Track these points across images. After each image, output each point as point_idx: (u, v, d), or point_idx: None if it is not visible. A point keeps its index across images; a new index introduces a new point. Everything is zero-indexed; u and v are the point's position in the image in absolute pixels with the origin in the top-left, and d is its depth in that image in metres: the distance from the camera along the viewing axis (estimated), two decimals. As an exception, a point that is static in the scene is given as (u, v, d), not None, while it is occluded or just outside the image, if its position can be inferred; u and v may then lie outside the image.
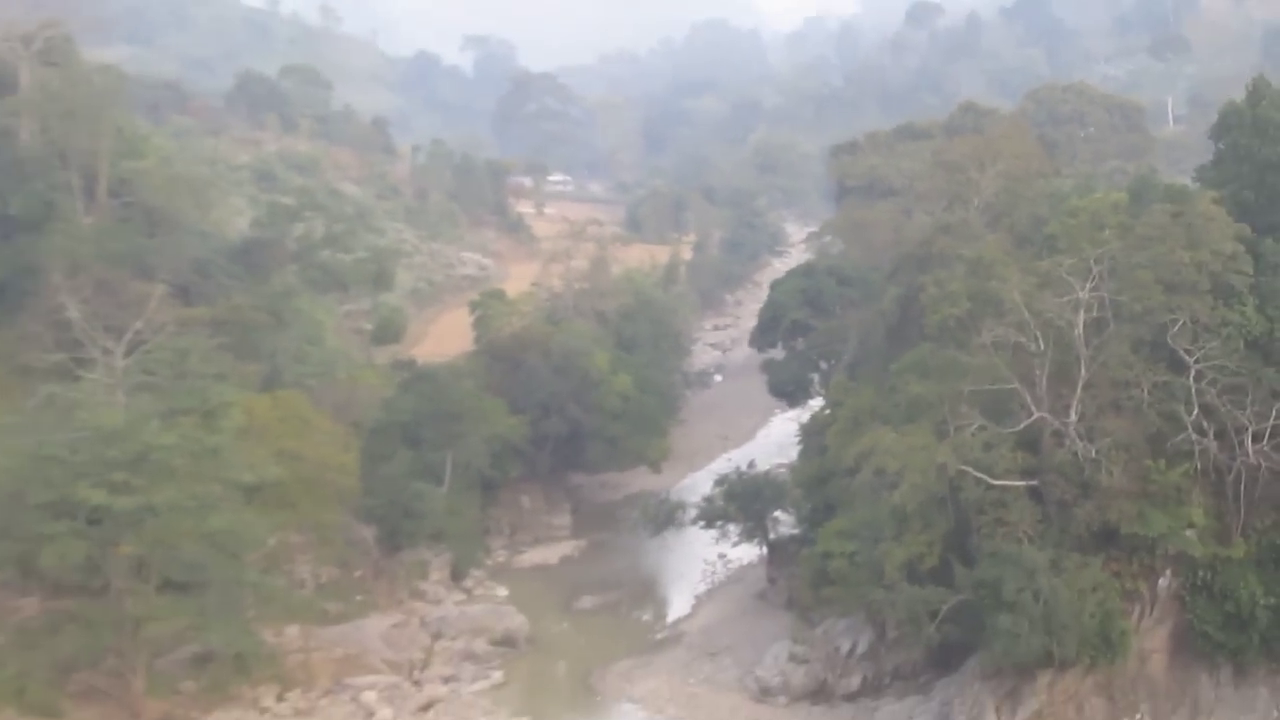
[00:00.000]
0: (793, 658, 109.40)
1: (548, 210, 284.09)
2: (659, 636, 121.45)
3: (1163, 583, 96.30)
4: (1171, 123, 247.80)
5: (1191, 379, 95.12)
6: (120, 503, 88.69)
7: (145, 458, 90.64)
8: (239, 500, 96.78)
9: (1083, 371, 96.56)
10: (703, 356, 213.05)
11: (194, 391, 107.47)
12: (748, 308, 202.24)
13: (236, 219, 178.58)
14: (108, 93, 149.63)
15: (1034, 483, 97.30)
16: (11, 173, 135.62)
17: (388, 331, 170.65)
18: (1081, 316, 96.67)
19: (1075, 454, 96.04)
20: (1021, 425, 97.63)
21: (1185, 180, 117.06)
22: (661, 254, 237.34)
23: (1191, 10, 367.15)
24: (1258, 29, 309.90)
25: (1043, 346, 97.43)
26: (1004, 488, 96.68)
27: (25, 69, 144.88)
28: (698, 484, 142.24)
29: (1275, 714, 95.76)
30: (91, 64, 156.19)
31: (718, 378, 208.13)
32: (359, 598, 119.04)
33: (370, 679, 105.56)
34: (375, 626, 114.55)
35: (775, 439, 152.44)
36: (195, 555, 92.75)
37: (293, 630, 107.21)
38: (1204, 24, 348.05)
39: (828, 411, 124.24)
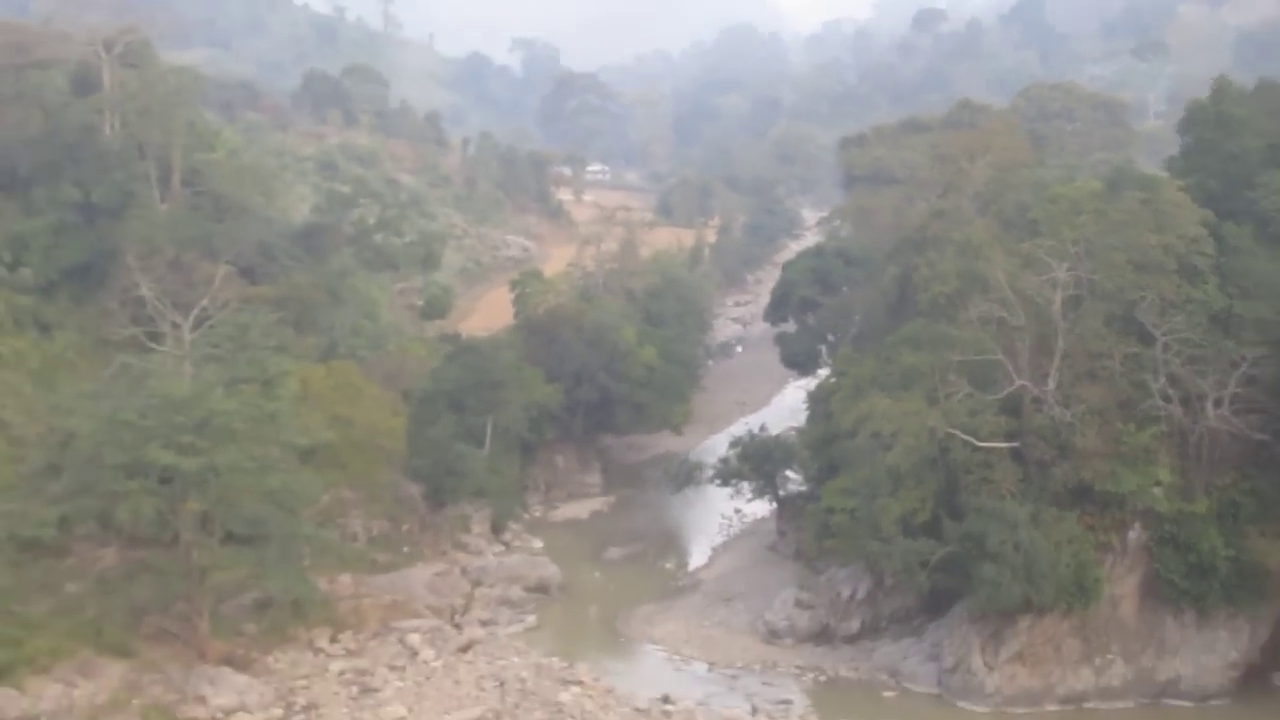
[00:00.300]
0: (799, 603, 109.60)
1: (586, 197, 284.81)
2: (679, 584, 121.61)
3: (1132, 535, 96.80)
4: (1152, 118, 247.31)
5: (1159, 350, 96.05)
6: (187, 463, 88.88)
7: (210, 422, 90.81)
8: (295, 461, 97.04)
9: (1060, 344, 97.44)
10: (724, 330, 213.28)
11: (254, 362, 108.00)
12: (766, 286, 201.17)
13: (301, 205, 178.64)
14: (181, 91, 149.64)
15: (1016, 445, 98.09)
16: (95, 164, 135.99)
17: (436, 308, 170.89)
18: (1059, 294, 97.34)
19: (1053, 419, 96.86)
20: (1004, 393, 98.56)
21: (1159, 170, 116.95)
22: (688, 237, 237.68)
23: (1171, 16, 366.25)
24: (1231, 33, 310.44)
25: (1024, 321, 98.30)
26: (988, 449, 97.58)
27: (107, 70, 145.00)
28: (717, 445, 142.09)
29: (1234, 654, 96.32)
30: (168, 66, 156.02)
31: (738, 349, 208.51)
32: (406, 549, 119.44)
33: (415, 622, 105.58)
34: (420, 575, 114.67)
35: (788, 405, 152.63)
36: (255, 511, 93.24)
37: (345, 578, 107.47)
38: (1183, 28, 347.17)
39: (833, 380, 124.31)
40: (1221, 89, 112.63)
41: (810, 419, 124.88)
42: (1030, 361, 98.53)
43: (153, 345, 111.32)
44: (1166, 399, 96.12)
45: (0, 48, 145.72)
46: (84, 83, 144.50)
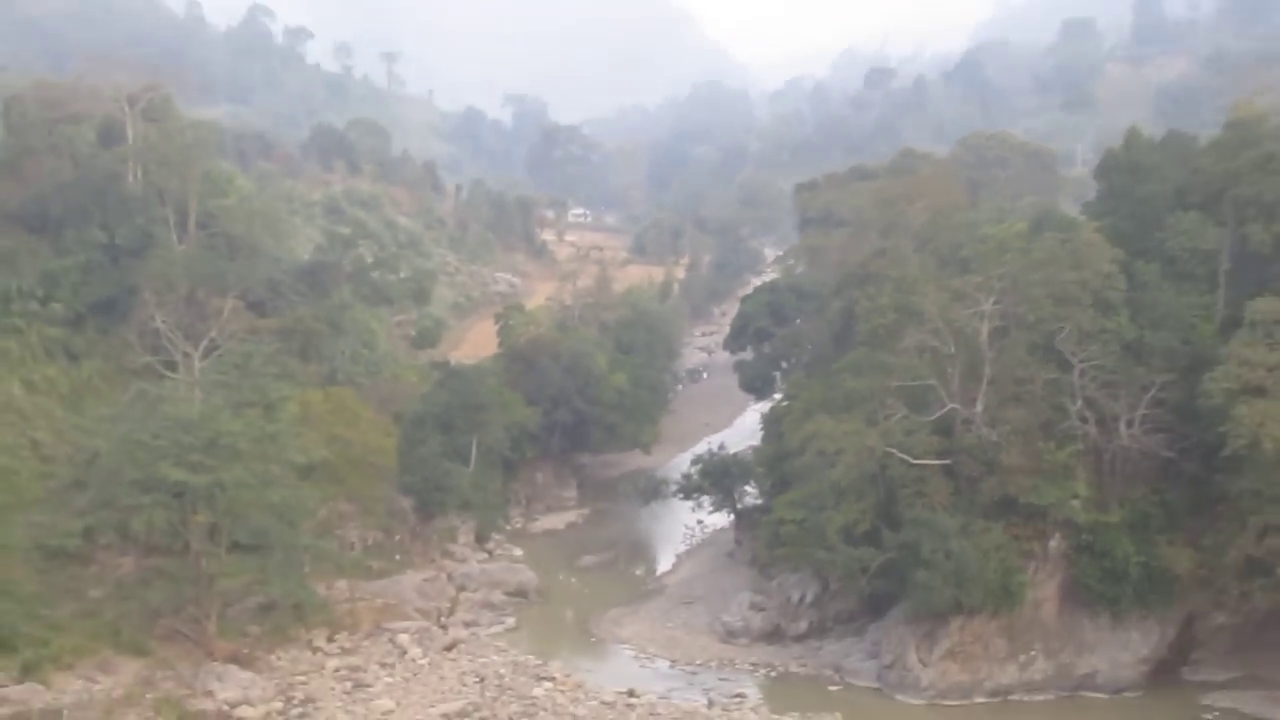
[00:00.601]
0: (753, 606, 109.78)
1: (568, 238, 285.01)
2: (646, 589, 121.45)
3: (1053, 544, 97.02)
4: (1080, 165, 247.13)
5: (1076, 376, 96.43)
6: (196, 479, 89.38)
7: (217, 442, 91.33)
8: (295, 477, 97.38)
9: (987, 370, 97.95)
10: (692, 358, 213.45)
11: (257, 388, 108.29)
12: (730, 317, 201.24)
13: (307, 245, 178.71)
14: (198, 143, 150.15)
15: (947, 462, 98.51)
16: (119, 209, 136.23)
17: (427, 338, 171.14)
18: (986, 325, 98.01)
19: (981, 438, 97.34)
20: (937, 414, 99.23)
21: (1080, 213, 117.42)
22: (659, 274, 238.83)
23: (1098, 74, 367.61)
24: (1151, 89, 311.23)
25: (954, 350, 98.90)
26: (923, 466, 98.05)
27: (131, 124, 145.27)
28: (683, 463, 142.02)
29: (1144, 651, 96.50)
30: (186, 120, 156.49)
31: (704, 375, 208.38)
32: (398, 557, 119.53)
33: (405, 624, 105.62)
34: (410, 581, 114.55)
35: (748, 425, 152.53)
36: (259, 522, 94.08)
37: (342, 584, 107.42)
38: (1108, 85, 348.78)
39: (785, 403, 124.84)
40: (1132, 139, 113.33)
41: (764, 439, 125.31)
42: (960, 386, 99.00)
43: (167, 373, 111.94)
44: (1083, 420, 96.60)
45: (35, 104, 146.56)
46: (110, 135, 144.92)
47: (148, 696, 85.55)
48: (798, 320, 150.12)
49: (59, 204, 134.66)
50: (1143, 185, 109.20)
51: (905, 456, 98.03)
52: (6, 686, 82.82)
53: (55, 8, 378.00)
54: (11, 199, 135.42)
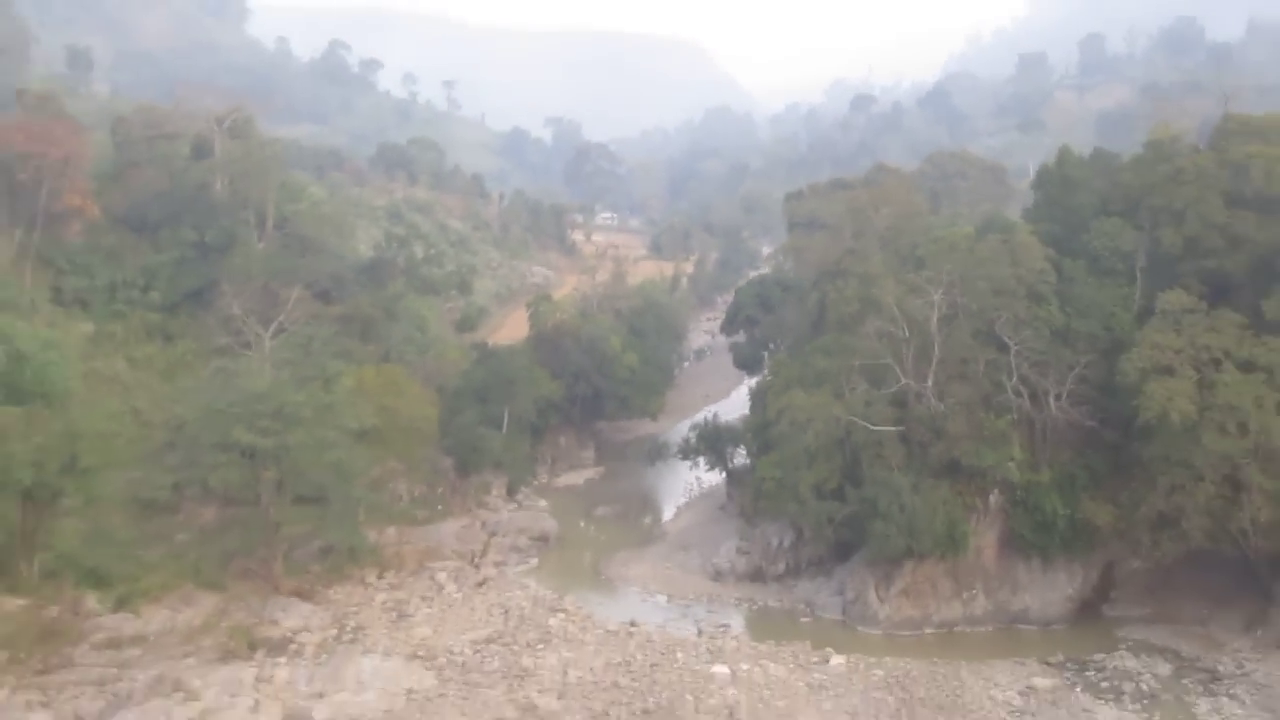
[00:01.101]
0: (739, 550, 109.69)
1: (595, 238, 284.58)
2: (650, 535, 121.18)
3: (992, 499, 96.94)
4: (1030, 178, 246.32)
5: (1012, 357, 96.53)
6: (264, 442, 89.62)
7: (282, 411, 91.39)
8: (350, 440, 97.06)
9: (936, 352, 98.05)
10: (697, 340, 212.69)
11: (317, 365, 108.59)
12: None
13: (370, 244, 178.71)
14: (274, 157, 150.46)
15: (902, 429, 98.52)
16: (207, 213, 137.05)
17: (468, 323, 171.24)
18: (936, 313, 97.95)
19: (930, 409, 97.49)
20: (893, 389, 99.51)
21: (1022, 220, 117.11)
22: (669, 269, 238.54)
23: (1048, 101, 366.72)
24: (1093, 114, 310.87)
25: (908, 334, 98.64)
26: (881, 433, 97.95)
27: (218, 141, 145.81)
28: (686, 429, 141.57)
29: (1070, 590, 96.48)
30: (265, 137, 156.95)
31: (708, 355, 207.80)
32: (439, 508, 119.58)
33: (443, 564, 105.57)
34: (449, 528, 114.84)
35: (741, 398, 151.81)
36: (319, 479, 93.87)
37: (391, 530, 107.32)
38: (1057, 110, 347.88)
39: (768, 379, 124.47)
40: (1064, 156, 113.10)
41: (752, 409, 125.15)
42: (913, 365, 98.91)
43: (243, 352, 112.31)
44: (1018, 395, 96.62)
45: (139, 124, 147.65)
46: (201, 150, 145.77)
47: (222, 624, 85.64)
48: (781, 309, 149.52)
49: (157, 209, 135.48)
50: (1072, 195, 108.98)
51: (866, 424, 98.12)
52: (103, 616, 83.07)
53: (165, 42, 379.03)
54: (118, 205, 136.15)
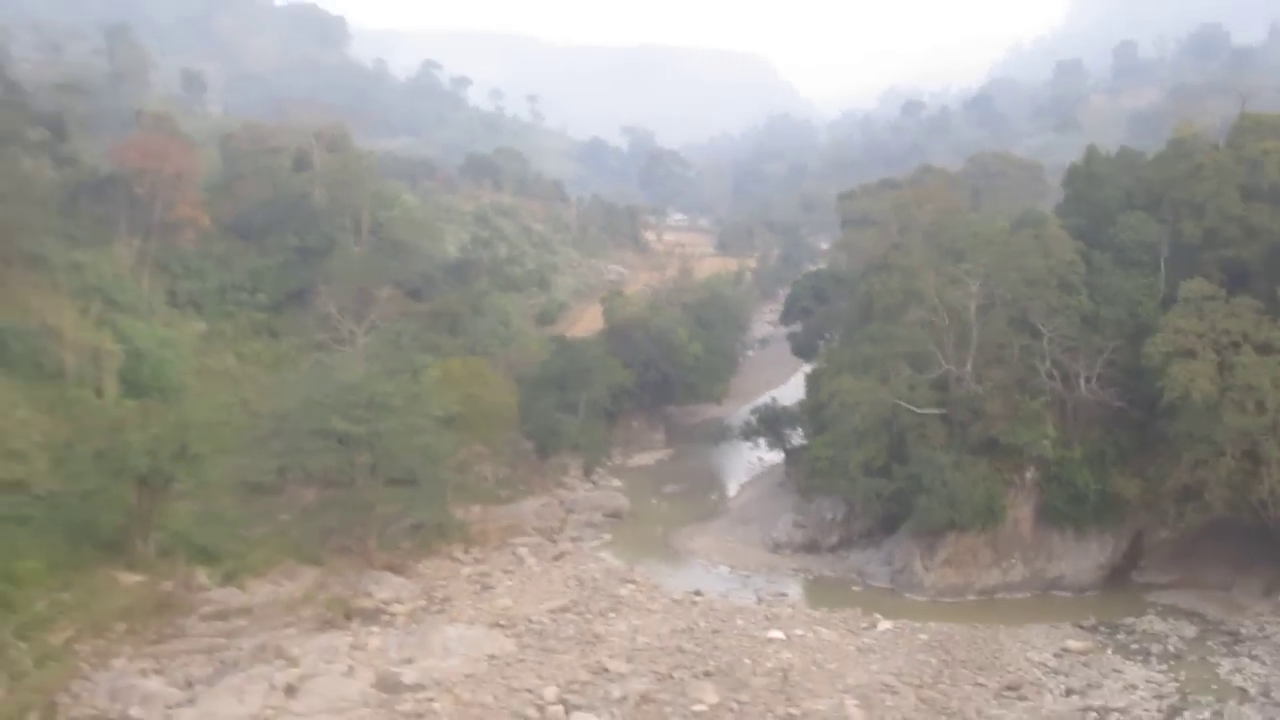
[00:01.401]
0: (795, 524, 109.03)
1: (666, 236, 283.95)
2: (714, 511, 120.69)
3: (1028, 474, 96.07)
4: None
5: (1045, 343, 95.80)
6: (357, 430, 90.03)
7: (374, 400, 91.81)
8: (437, 426, 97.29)
9: (974, 338, 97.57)
10: (760, 330, 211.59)
11: (405, 358, 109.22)
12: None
13: (458, 246, 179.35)
14: (369, 168, 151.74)
15: (943, 411, 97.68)
16: (308, 220, 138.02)
17: (547, 317, 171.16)
18: (974, 303, 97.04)
19: (969, 392, 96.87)
20: (935, 374, 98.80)
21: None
22: (733, 264, 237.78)
23: (1084, 103, 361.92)
24: (1125, 114, 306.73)
25: (948, 323, 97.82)
26: (924, 414, 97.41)
27: (317, 154, 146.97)
28: (748, 412, 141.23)
29: (1101, 559, 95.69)
30: (360, 149, 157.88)
31: (770, 343, 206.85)
32: (520, 487, 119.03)
33: (524, 539, 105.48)
34: (530, 506, 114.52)
35: (798, 383, 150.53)
36: (408, 462, 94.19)
37: (476, 508, 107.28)
38: (1092, 111, 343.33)
39: (822, 365, 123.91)
40: (1091, 155, 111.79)
41: (807, 393, 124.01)
42: (953, 352, 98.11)
43: (338, 347, 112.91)
44: (1051, 377, 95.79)
45: (245, 139, 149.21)
46: (301, 162, 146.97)
47: (321, 597, 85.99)
48: (834, 300, 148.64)
49: (262, 217, 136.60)
50: (1099, 191, 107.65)
51: (910, 407, 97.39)
52: (212, 590, 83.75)
53: (273, 65, 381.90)
54: (226, 214, 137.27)
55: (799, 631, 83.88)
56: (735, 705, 71.07)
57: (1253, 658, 79.52)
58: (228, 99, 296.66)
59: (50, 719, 63.96)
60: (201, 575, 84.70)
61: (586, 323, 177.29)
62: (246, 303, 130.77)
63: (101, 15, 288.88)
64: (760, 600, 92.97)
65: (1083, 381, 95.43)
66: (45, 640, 71.28)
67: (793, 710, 70.67)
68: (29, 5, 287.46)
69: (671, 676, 75.09)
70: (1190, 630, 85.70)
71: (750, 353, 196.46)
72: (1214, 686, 75.76)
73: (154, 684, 69.60)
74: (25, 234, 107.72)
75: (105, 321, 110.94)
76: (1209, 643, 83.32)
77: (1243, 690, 74.93)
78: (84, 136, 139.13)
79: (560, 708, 70.34)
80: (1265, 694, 73.73)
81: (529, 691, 72.44)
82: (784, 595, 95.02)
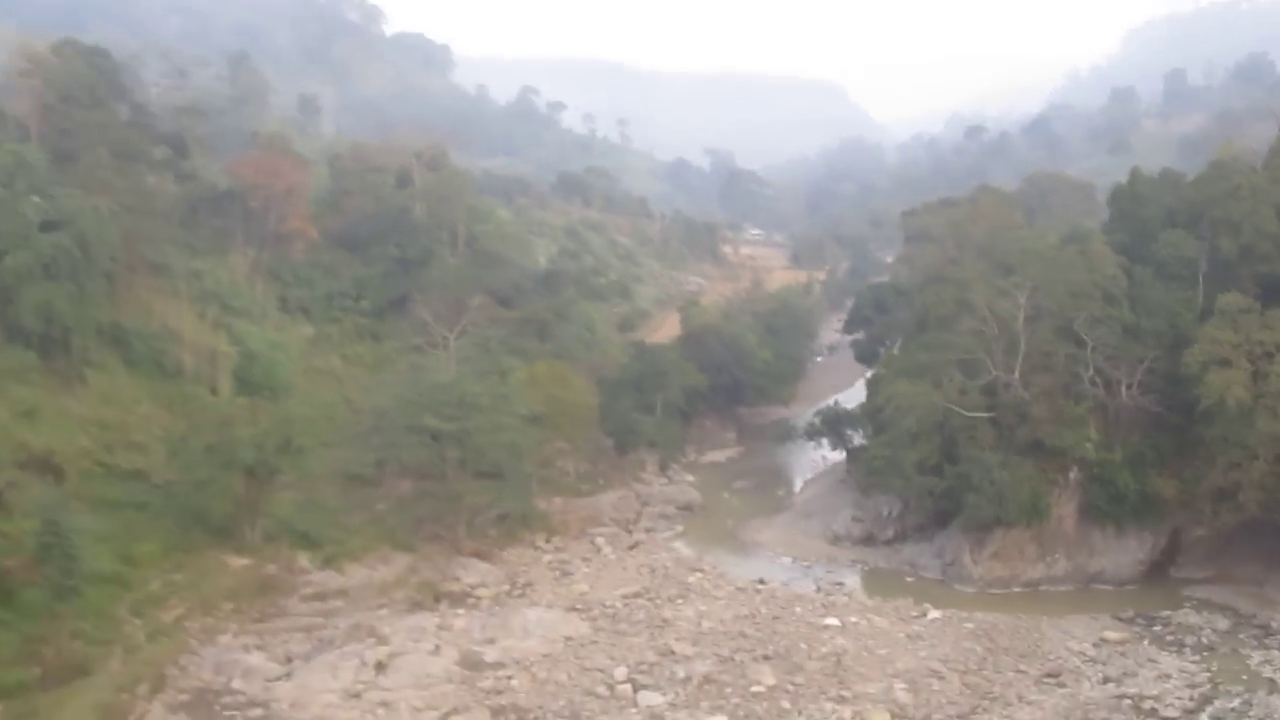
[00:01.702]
0: (854, 519, 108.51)
1: (743, 250, 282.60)
2: (779, 505, 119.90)
3: (1071, 474, 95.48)
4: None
5: (1089, 352, 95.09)
6: (448, 427, 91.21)
7: (464, 400, 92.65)
8: (522, 424, 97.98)
9: (1022, 347, 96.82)
10: (828, 338, 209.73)
11: (493, 361, 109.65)
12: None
13: (547, 257, 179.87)
14: (464, 185, 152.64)
15: (992, 414, 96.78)
16: (408, 233, 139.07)
17: (628, 324, 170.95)
18: (1022, 313, 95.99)
19: (1017, 397, 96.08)
20: (985, 380, 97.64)
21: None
22: (803, 277, 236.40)
23: (1136, 126, 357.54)
24: (1175, 138, 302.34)
25: (997, 332, 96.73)
26: (974, 417, 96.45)
27: (417, 172, 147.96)
28: (812, 414, 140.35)
29: (1141, 554, 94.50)
30: (456, 168, 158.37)
31: (837, 351, 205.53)
32: (600, 481, 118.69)
33: (602, 530, 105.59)
34: (608, 499, 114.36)
35: (861, 388, 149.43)
36: (496, 456, 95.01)
37: (558, 500, 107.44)
38: (1143, 135, 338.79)
39: (881, 371, 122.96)
40: (1135, 176, 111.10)
41: (867, 397, 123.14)
42: (1002, 359, 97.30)
43: (432, 350, 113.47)
44: (1094, 384, 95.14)
45: (351, 159, 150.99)
46: (403, 180, 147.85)
47: (412, 580, 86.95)
48: (894, 311, 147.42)
49: (366, 230, 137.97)
50: (1142, 209, 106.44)
51: (961, 410, 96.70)
52: (312, 573, 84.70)
53: (382, 90, 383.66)
54: (334, 227, 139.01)
55: (853, 619, 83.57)
56: (791, 687, 71.03)
57: (1282, 650, 78.52)
58: (341, 121, 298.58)
59: (160, 689, 64.93)
60: (303, 559, 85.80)
61: (666, 330, 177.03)
62: (351, 309, 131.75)
63: (227, 44, 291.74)
64: (819, 589, 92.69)
65: (1124, 388, 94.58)
66: (158, 617, 72.52)
67: (844, 692, 70.51)
68: (160, 34, 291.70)
69: (733, 659, 75.16)
70: (1223, 623, 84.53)
71: (819, 359, 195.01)
72: (1244, 677, 74.88)
73: (255, 659, 70.56)
74: (149, 244, 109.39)
75: (221, 325, 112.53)
76: (1241, 635, 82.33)
77: (1272, 681, 74.11)
78: (205, 155, 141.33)
79: (628, 686, 70.71)
80: (1294, 685, 72.92)
81: (600, 671, 72.85)
82: (841, 585, 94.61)
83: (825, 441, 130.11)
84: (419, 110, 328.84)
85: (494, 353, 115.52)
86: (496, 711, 66.64)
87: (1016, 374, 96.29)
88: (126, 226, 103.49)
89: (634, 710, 67.68)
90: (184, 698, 65.19)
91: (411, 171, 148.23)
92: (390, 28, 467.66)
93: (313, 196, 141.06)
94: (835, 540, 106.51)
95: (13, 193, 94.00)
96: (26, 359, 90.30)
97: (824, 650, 77.15)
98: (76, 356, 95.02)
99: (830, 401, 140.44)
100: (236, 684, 67.13)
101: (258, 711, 64.67)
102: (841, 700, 69.36)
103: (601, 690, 70.04)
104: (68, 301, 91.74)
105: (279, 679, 68.29)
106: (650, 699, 68.91)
